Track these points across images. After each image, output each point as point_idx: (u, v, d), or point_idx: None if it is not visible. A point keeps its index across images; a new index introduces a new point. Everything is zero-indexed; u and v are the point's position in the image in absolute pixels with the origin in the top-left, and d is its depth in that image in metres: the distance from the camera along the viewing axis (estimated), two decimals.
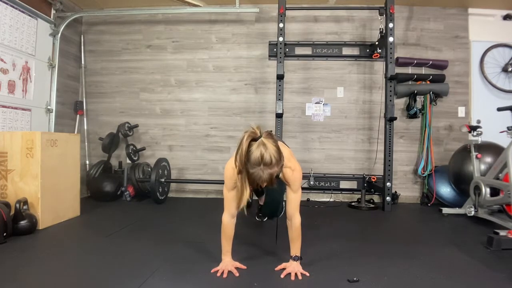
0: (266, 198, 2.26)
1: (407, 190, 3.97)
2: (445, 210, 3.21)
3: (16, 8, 3.16)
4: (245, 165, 1.49)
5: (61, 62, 3.77)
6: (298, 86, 4.07)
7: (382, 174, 3.53)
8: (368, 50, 3.96)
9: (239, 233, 2.39)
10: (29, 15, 3.33)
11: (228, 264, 1.75)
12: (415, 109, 3.83)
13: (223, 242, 1.79)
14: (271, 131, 1.63)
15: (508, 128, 2.64)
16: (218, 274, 1.69)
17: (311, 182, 3.92)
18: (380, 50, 3.74)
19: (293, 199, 1.75)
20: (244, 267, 1.77)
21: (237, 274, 1.69)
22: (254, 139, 1.49)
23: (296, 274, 1.67)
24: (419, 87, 3.86)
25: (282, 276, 1.67)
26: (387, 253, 2.08)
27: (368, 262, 1.90)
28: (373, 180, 3.79)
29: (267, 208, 2.28)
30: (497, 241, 2.13)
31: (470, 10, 3.97)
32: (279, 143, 1.61)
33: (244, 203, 1.63)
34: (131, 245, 2.17)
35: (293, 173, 1.69)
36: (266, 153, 1.45)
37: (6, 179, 2.51)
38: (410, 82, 3.93)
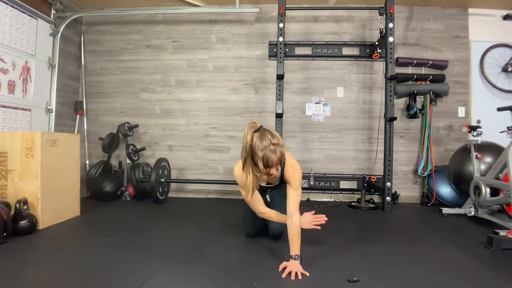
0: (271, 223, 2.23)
1: (407, 190, 3.97)
2: (445, 210, 3.21)
3: (16, 8, 3.16)
4: (250, 153, 1.67)
5: (61, 62, 3.78)
6: (298, 86, 4.07)
7: (382, 174, 3.53)
8: (368, 50, 3.96)
9: (238, 233, 2.40)
10: (29, 15, 3.33)
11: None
12: (415, 109, 3.83)
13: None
14: None
15: (508, 128, 2.64)
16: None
17: (311, 182, 3.92)
18: (380, 50, 3.74)
19: (294, 197, 1.85)
20: None
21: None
22: (255, 130, 1.68)
23: (296, 273, 1.67)
24: (419, 87, 3.87)
25: (283, 276, 1.67)
26: (387, 253, 2.08)
27: (368, 262, 1.90)
28: (373, 180, 3.79)
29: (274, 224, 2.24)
30: (497, 241, 2.14)
31: (470, 10, 3.98)
32: None
33: (251, 190, 1.80)
34: (131, 245, 2.17)
35: (294, 171, 1.87)
36: (273, 135, 1.67)
37: (6, 179, 2.51)
38: (410, 82, 3.93)
